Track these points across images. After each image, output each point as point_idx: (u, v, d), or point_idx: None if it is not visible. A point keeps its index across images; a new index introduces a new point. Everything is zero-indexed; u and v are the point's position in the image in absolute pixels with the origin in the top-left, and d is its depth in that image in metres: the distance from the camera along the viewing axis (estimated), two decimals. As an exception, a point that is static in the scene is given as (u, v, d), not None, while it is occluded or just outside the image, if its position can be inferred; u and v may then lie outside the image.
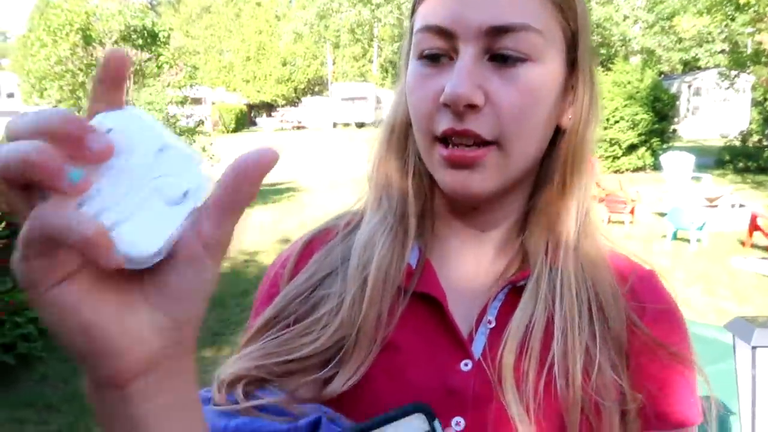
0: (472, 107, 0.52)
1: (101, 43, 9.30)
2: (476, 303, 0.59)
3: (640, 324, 0.58)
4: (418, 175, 0.61)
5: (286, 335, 0.58)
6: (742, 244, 6.81)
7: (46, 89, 9.89)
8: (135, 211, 0.30)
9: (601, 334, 0.56)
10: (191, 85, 10.71)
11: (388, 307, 0.57)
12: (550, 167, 0.60)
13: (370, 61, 36.88)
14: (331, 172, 13.14)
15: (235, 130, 29.02)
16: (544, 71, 0.54)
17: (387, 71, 34.25)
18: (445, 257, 0.62)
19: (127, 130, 0.31)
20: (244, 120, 31.33)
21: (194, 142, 9.95)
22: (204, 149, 9.98)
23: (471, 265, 0.61)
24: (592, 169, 0.61)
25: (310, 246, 0.66)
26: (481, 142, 0.54)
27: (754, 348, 1.70)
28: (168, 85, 9.62)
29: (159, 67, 9.74)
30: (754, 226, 6.62)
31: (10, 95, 25.28)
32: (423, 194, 0.61)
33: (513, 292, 0.58)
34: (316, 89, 39.07)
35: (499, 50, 0.53)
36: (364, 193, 0.66)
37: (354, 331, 0.56)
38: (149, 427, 0.34)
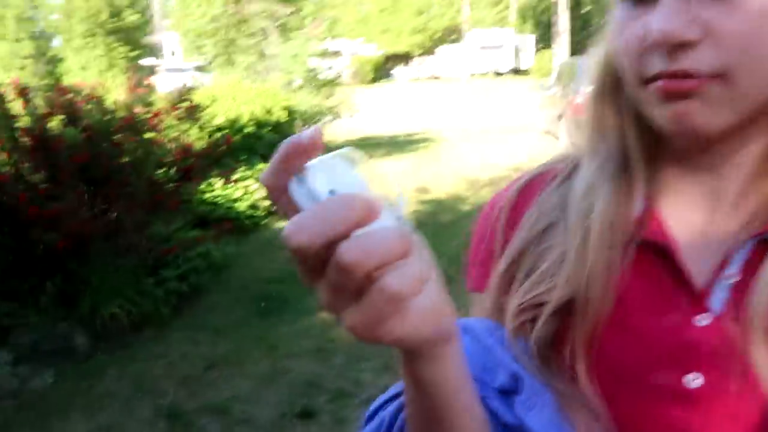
0: (687, 43, 0.47)
1: (249, 1, 9.79)
2: (712, 255, 0.53)
3: None
4: (638, 118, 0.55)
5: (519, 290, 0.58)
6: None
7: (202, 46, 10.65)
8: None
9: None
10: (331, 38, 10.97)
11: (614, 259, 0.54)
12: None
13: (508, 7, 35.28)
14: (467, 123, 12.97)
15: (372, 81, 29.46)
16: None
17: (525, 18, 32.61)
18: (674, 205, 0.56)
19: (338, 184, 0.35)
20: (381, 71, 31.64)
21: (334, 94, 10.27)
22: (344, 101, 10.27)
23: (705, 214, 0.55)
24: None
25: (525, 191, 0.63)
26: (702, 75, 0.48)
27: None
28: (310, 39, 9.93)
29: (302, 20, 10.07)
30: None
31: (173, 53, 27.71)
32: (646, 138, 0.56)
33: (761, 244, 0.52)
34: (452, 38, 38.28)
35: None
36: (578, 139, 0.62)
37: (580, 286, 0.54)
38: (448, 386, 0.43)
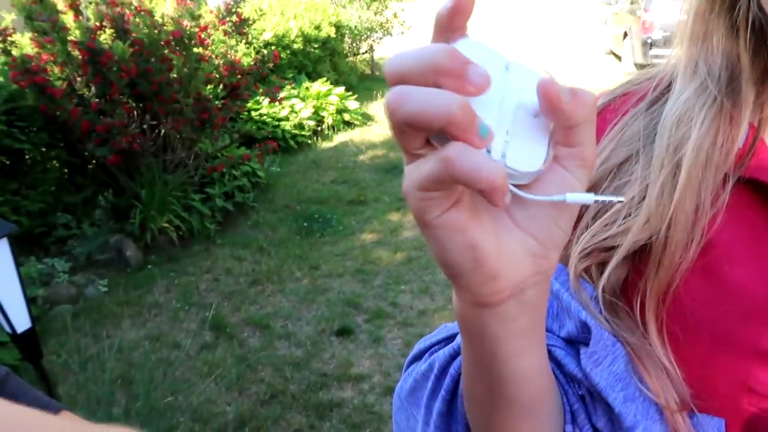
0: None
1: None
2: None
3: None
4: (752, 30, 0.47)
5: (587, 231, 0.51)
6: None
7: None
8: (513, 132, 0.32)
9: None
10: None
11: (709, 197, 0.47)
12: None
13: None
14: (523, 38, 12.37)
15: (425, -4, 28.30)
16: None
17: None
18: None
19: (473, 56, 0.31)
20: (436, -16, 30.26)
21: (387, 8, 9.91)
22: (395, 15, 9.91)
23: None
24: None
25: (603, 114, 0.55)
26: None
27: None
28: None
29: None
30: None
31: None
32: (761, 57, 0.48)
33: None
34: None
35: None
36: (672, 56, 0.53)
37: (664, 226, 0.47)
38: (509, 345, 0.37)
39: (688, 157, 0.48)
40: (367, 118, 7.21)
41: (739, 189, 0.48)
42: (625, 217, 0.49)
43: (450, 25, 0.31)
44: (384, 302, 3.40)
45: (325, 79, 7.08)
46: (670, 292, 0.48)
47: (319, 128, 6.51)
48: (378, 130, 6.83)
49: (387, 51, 11.10)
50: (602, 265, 0.50)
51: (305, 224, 4.44)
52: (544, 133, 0.32)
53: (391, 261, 3.89)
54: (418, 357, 0.55)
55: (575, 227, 0.50)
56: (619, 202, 0.49)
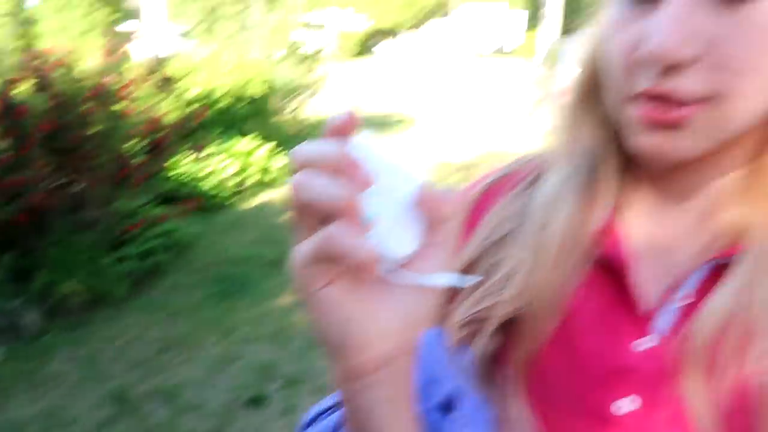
0: (682, 62, 0.42)
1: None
2: (668, 276, 0.52)
3: None
4: (614, 129, 0.52)
5: (466, 303, 0.56)
6: None
7: (184, 12, 10.41)
8: (390, 221, 0.38)
9: None
10: (315, 9, 10.76)
11: (570, 274, 0.52)
12: None
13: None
14: (447, 102, 12.89)
15: (356, 56, 29.06)
16: None
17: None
18: (637, 223, 0.54)
19: (363, 155, 0.38)
20: (366, 45, 31.22)
21: (315, 69, 10.13)
22: (324, 75, 10.13)
23: (667, 234, 0.53)
24: None
25: (489, 193, 0.61)
26: (689, 100, 0.44)
27: None
28: (292, 11, 9.75)
29: (287, -10, 9.88)
30: None
31: (155, 18, 27.00)
32: (621, 153, 0.52)
33: (718, 269, 0.50)
34: (440, 12, 37.80)
35: None
36: (550, 141, 0.58)
37: (529, 300, 0.52)
38: (381, 412, 0.40)
39: (555, 237, 0.53)
40: (293, 177, 7.23)
41: (596, 267, 0.53)
42: (499, 291, 0.54)
43: (341, 132, 0.37)
44: (300, 368, 3.37)
45: (253, 136, 7.11)
46: (534, 362, 0.53)
47: (243, 186, 6.49)
48: (303, 189, 6.85)
49: (316, 110, 11.27)
50: (477, 335, 0.55)
51: (222, 287, 4.38)
52: (417, 223, 0.38)
53: (309, 324, 3.87)
54: (309, 424, 0.57)
55: (455, 298, 0.57)
56: (479, 281, 0.56)
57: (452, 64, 21.71)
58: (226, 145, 6.58)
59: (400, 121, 11.78)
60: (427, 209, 0.38)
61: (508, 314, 0.54)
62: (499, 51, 26.94)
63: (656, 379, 0.49)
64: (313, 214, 0.37)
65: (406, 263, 0.39)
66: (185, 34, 10.82)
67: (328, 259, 0.36)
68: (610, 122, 0.52)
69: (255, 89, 7.95)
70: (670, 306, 0.51)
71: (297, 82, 9.73)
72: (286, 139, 9.26)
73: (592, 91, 0.53)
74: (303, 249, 0.37)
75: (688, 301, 0.50)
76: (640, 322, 0.51)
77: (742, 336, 0.46)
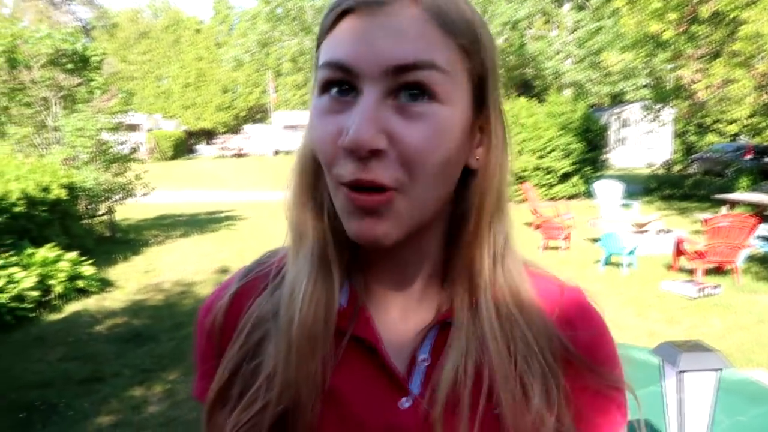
0: (375, 152, 0.49)
1: (27, 67, 8.89)
2: (409, 343, 0.59)
3: (573, 350, 0.58)
4: (335, 216, 0.56)
5: (235, 411, 0.57)
6: (670, 267, 7.09)
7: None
8: None
9: (533, 364, 0.57)
10: (126, 111, 10.35)
11: (325, 355, 0.56)
12: (464, 209, 0.57)
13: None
14: (271, 201, 12.97)
15: (173, 158, 28.36)
16: (450, 112, 0.51)
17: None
18: (375, 301, 0.60)
19: None
20: (183, 147, 30.66)
21: (128, 169, 9.60)
22: (138, 177, 9.64)
23: (399, 308, 0.60)
24: (508, 206, 0.60)
25: (239, 299, 0.62)
26: (385, 188, 0.51)
27: (680, 372, 1.73)
28: (99, 111, 9.25)
29: (90, 92, 9.34)
30: (678, 251, 6.90)
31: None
32: (344, 238, 0.56)
33: (443, 329, 0.58)
34: (258, 116, 38.73)
35: (404, 90, 0.50)
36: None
37: (293, 391, 0.55)
38: None
39: (302, 327, 0.55)
40: (105, 284, 6.60)
41: (352, 346, 0.58)
42: (265, 393, 0.56)
43: None
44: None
45: (53, 244, 6.39)
46: None
47: (45, 299, 5.73)
48: (119, 296, 6.27)
49: (130, 212, 10.60)
50: None
51: (22, 415, 3.70)
52: None
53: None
54: None
55: (222, 406, 0.58)
56: (246, 386, 0.58)
57: (274, 163, 22.04)
58: (22, 255, 5.83)
59: (227, 218, 11.56)
60: None
61: (279, 412, 0.55)
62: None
63: (420, 429, 0.55)
64: None
65: None
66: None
67: None
68: (325, 211, 0.58)
69: (56, 194, 7.26)
70: (419, 367, 0.58)
71: (106, 185, 9.11)
72: (98, 243, 8.51)
73: (312, 180, 0.58)
74: None
75: (426, 363, 0.58)
76: (401, 382, 0.57)
77: (474, 384, 0.55)
